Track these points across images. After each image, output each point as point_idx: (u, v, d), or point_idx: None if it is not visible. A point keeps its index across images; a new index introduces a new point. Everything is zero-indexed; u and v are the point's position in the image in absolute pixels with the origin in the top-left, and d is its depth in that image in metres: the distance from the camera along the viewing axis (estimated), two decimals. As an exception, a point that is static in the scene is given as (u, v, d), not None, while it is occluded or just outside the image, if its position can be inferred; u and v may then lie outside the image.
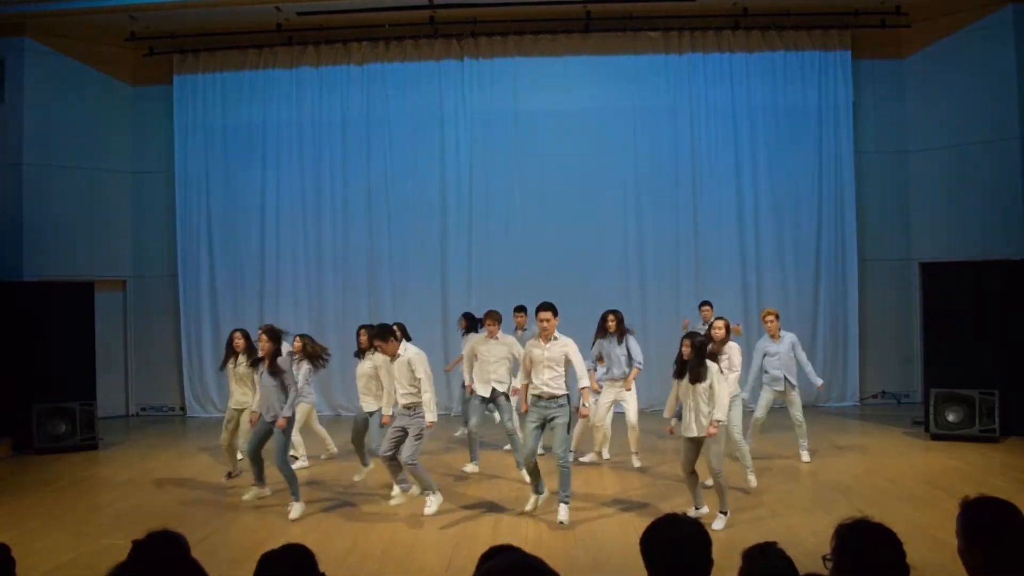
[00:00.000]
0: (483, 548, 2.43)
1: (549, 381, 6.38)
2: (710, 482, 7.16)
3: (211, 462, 8.92)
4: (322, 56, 12.59)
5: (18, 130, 11.59)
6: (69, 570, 5.55)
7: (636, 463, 8.23)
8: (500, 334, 8.12)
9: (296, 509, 6.70)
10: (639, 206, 12.32)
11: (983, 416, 9.17)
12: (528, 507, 6.63)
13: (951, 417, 9.33)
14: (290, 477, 6.79)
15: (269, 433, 6.83)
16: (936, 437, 9.35)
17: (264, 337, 6.77)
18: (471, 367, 8.21)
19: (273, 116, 12.60)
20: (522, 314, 9.72)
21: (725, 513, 6.23)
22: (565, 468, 6.37)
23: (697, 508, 6.39)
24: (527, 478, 7.78)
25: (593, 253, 12.28)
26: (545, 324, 6.40)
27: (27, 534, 6.37)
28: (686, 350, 6.23)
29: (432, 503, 6.69)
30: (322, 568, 2.49)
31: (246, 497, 7.03)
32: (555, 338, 6.44)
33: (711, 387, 6.14)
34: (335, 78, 12.57)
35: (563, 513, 6.31)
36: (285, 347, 7.22)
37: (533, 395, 6.48)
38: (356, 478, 7.92)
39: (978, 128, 11.27)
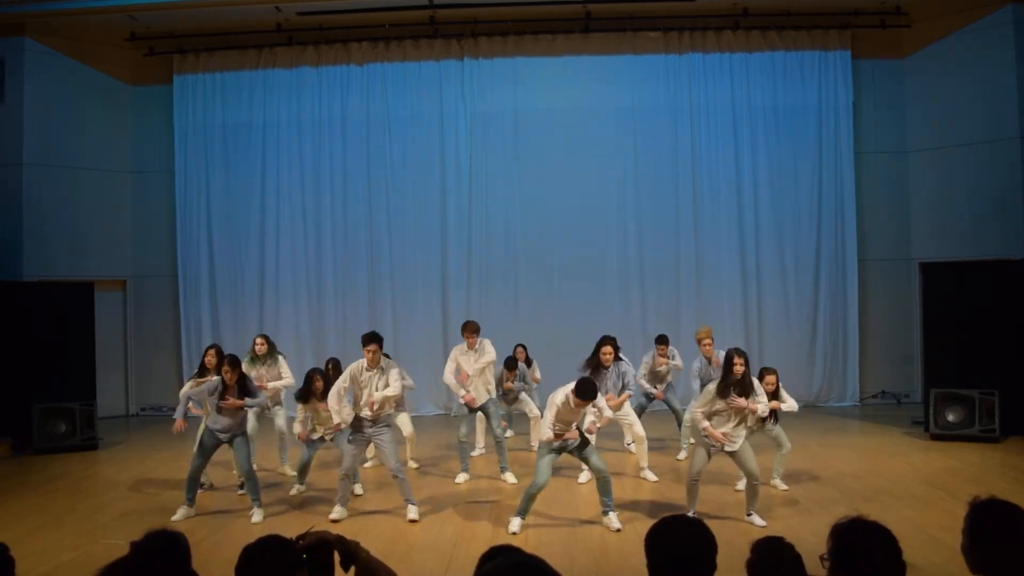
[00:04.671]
0: (483, 548, 2.43)
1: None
2: (740, 486, 7.16)
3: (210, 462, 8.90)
4: (322, 56, 12.59)
5: (18, 130, 11.60)
6: (69, 570, 5.54)
7: (653, 476, 7.90)
8: (478, 343, 7.96)
9: (257, 513, 6.79)
10: (639, 206, 12.32)
11: (983, 416, 9.16)
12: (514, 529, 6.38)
13: (951, 417, 9.32)
14: (254, 483, 6.91)
15: (214, 449, 6.99)
16: (936, 437, 9.35)
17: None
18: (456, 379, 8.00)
19: (273, 116, 12.60)
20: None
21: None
22: (607, 477, 6.39)
23: (691, 513, 6.37)
24: (511, 479, 7.82)
25: (592, 253, 12.29)
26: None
27: (27, 534, 6.36)
28: (740, 368, 6.16)
29: (414, 510, 6.68)
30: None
31: (175, 518, 6.75)
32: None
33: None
34: (335, 78, 12.58)
35: (614, 521, 6.30)
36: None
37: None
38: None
39: (978, 128, 11.27)
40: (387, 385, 6.69)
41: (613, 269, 12.32)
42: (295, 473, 7.72)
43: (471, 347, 7.94)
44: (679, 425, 8.95)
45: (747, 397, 6.24)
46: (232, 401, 6.78)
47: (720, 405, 6.25)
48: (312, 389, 7.32)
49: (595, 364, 7.65)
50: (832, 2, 11.97)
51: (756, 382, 6.46)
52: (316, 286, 12.58)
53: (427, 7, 11.89)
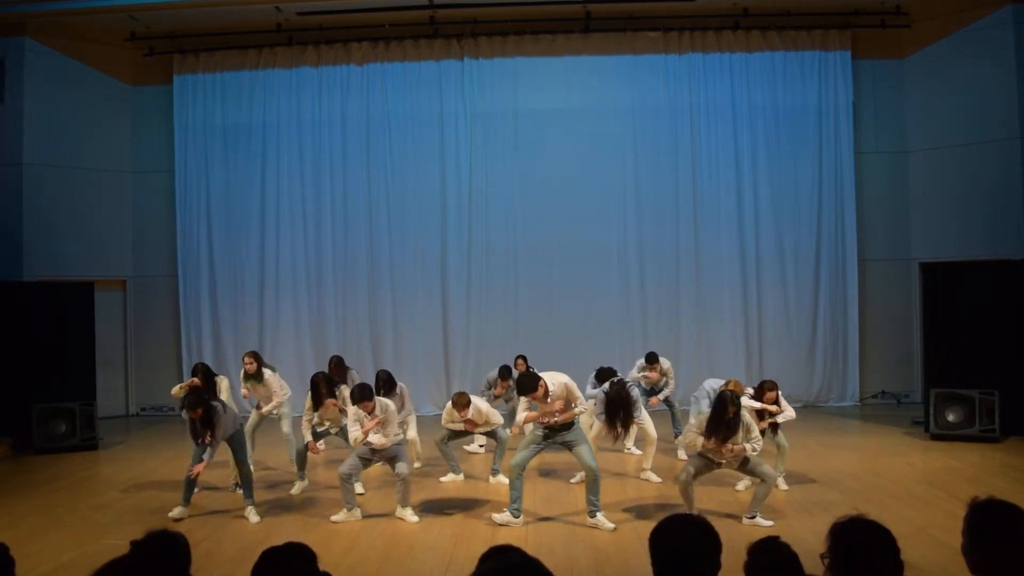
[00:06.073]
0: (483, 548, 2.43)
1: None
2: (741, 486, 7.16)
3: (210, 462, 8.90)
4: (322, 56, 12.58)
5: (18, 130, 11.60)
6: (69, 570, 5.54)
7: (656, 478, 7.83)
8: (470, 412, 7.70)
9: (252, 512, 6.77)
10: (639, 206, 12.32)
11: (983, 416, 9.16)
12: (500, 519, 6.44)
13: (951, 417, 9.32)
14: (249, 478, 6.92)
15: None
16: (936, 437, 9.35)
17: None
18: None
19: (273, 116, 12.60)
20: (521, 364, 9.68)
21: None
22: (597, 476, 6.39)
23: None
24: (503, 479, 7.77)
25: (593, 253, 12.28)
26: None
27: (27, 534, 6.36)
28: (731, 412, 6.15)
29: (412, 515, 6.69)
30: (322, 568, 2.49)
31: (172, 514, 6.74)
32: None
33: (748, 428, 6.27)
34: (335, 78, 12.57)
35: (605, 521, 6.30)
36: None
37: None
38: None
39: (978, 128, 11.27)
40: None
41: (613, 269, 12.31)
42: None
43: (463, 416, 7.72)
44: (673, 422, 9.23)
45: (730, 440, 6.16)
46: (208, 439, 6.76)
47: (708, 443, 6.20)
48: (320, 394, 7.36)
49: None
50: (832, 2, 11.96)
51: (748, 417, 6.38)
52: (316, 286, 12.57)
53: (427, 7, 11.89)
